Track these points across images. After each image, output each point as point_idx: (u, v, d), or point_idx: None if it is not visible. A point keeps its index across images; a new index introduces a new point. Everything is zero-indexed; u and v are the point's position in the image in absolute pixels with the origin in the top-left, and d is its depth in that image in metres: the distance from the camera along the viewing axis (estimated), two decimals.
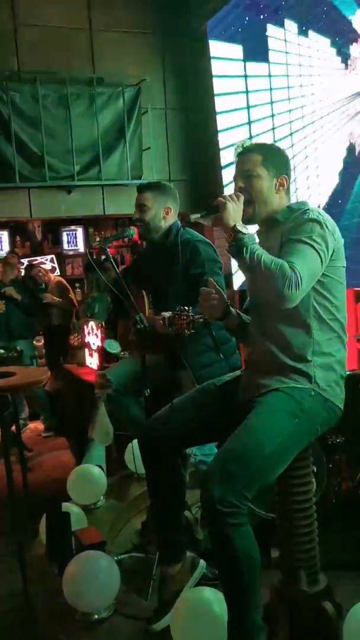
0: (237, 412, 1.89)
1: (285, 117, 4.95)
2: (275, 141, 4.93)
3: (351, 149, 4.20)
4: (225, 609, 1.80)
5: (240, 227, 1.88)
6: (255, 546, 1.78)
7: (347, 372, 3.19)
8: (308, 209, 1.93)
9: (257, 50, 5.22)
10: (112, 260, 2.70)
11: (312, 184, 4.71)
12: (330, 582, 2.09)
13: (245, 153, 2.05)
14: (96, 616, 2.15)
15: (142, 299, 2.78)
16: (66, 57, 6.21)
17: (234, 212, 1.90)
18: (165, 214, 2.81)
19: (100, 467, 3.55)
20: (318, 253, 1.83)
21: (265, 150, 2.07)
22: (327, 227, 1.87)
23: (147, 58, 6.57)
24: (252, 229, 2.10)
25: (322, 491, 2.87)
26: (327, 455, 3.08)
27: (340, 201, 4.34)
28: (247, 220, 1.96)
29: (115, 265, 2.72)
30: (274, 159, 2.04)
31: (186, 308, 2.24)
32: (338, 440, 3.17)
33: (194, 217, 2.09)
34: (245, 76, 5.52)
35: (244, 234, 1.87)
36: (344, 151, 4.27)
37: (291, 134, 4.89)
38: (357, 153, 4.13)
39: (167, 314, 2.44)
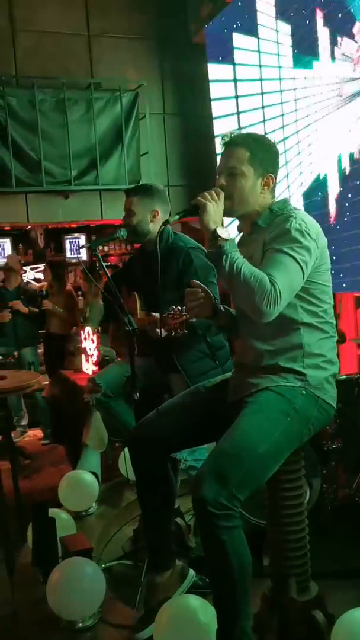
0: (228, 413, 1.85)
1: (279, 121, 4.94)
2: (284, 138, 4.90)
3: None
4: (210, 617, 1.75)
5: (221, 231, 1.80)
6: (248, 552, 1.74)
7: (343, 377, 3.19)
8: (291, 216, 1.84)
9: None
10: (102, 262, 2.66)
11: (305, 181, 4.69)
12: (325, 592, 2.05)
13: (232, 146, 1.93)
14: (80, 624, 2.09)
15: (133, 302, 2.74)
16: (64, 62, 6.22)
17: (215, 213, 1.82)
18: (153, 217, 2.75)
19: (94, 473, 3.50)
20: (300, 266, 1.77)
21: (254, 145, 1.93)
22: (310, 236, 1.80)
23: (144, 63, 6.58)
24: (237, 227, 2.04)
25: (316, 499, 2.83)
26: (322, 461, 3.03)
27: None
28: (225, 214, 1.88)
29: (105, 268, 2.68)
30: (262, 155, 1.92)
31: (179, 308, 2.19)
32: (334, 447, 3.11)
33: (172, 219, 2.02)
34: (235, 80, 5.51)
35: (225, 240, 1.79)
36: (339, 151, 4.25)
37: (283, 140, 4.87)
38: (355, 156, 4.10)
39: (156, 315, 2.40)
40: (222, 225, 1.85)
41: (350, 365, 5.20)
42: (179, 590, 2.12)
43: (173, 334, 2.24)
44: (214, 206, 1.83)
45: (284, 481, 1.95)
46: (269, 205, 1.94)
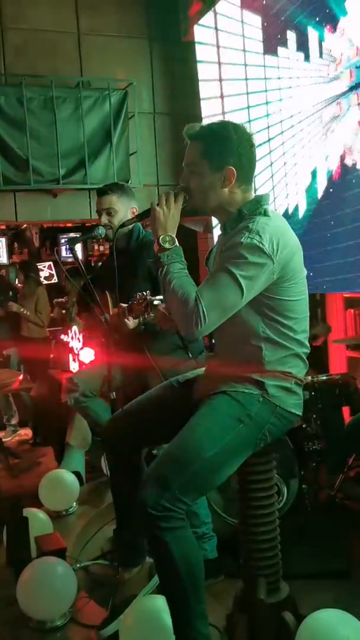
0: (192, 412, 1.82)
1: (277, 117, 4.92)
2: (270, 139, 4.89)
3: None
4: None
5: (164, 240, 1.75)
6: (195, 551, 1.73)
7: (323, 377, 3.19)
8: (247, 227, 1.70)
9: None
10: (79, 261, 2.66)
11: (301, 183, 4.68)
12: (302, 592, 2.04)
13: (190, 141, 1.81)
14: (50, 624, 2.08)
15: (105, 300, 2.74)
16: (53, 60, 6.20)
17: (164, 218, 1.76)
18: (132, 214, 2.76)
19: (78, 473, 3.50)
20: (239, 284, 1.65)
21: (209, 136, 1.77)
22: (264, 252, 1.66)
23: (134, 62, 6.56)
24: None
25: (292, 499, 2.81)
26: (302, 462, 3.03)
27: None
28: (193, 212, 1.85)
29: (82, 267, 2.68)
30: (218, 147, 1.76)
31: (142, 293, 2.18)
32: (315, 448, 3.11)
33: (130, 221, 2.04)
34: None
35: (166, 249, 1.74)
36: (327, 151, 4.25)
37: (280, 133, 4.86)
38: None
39: (124, 305, 2.39)
40: (172, 234, 1.78)
41: (339, 366, 5.19)
42: (146, 587, 2.11)
43: (141, 319, 2.24)
44: (164, 212, 1.77)
45: (253, 481, 1.94)
46: (241, 205, 1.81)
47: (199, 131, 1.81)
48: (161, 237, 1.76)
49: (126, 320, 2.39)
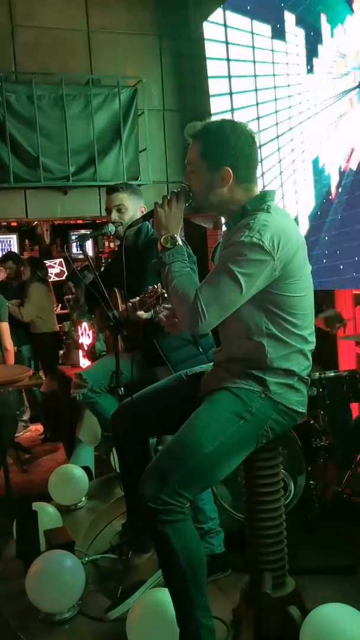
0: (196, 407, 1.84)
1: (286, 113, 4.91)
2: (278, 136, 4.88)
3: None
4: None
5: (165, 240, 1.78)
6: (197, 544, 1.75)
7: (331, 373, 3.19)
8: (252, 221, 1.71)
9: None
10: (89, 258, 2.69)
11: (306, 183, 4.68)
12: (308, 587, 2.05)
13: (191, 139, 1.83)
14: (58, 616, 2.11)
15: (115, 297, 2.76)
16: (63, 58, 6.21)
17: (165, 219, 1.79)
18: (141, 213, 2.79)
19: (87, 468, 3.53)
20: (238, 281, 1.66)
21: (208, 136, 1.79)
22: (264, 249, 1.67)
23: (144, 59, 6.56)
24: None
25: (300, 495, 2.83)
26: (310, 458, 3.03)
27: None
28: (196, 210, 1.89)
29: (92, 264, 2.70)
30: (215, 147, 1.77)
31: (153, 286, 2.21)
32: (322, 444, 3.12)
33: (136, 221, 2.08)
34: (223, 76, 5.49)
35: (168, 249, 1.78)
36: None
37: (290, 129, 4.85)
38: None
39: (135, 299, 2.42)
40: (174, 233, 1.80)
41: (348, 362, 5.18)
42: (154, 575, 2.13)
43: (152, 312, 2.26)
44: (165, 212, 1.80)
45: (259, 477, 1.96)
46: (244, 202, 1.81)
47: (198, 131, 1.82)
48: (163, 237, 1.79)
49: (138, 313, 2.42)
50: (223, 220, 2.05)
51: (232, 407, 1.77)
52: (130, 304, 2.43)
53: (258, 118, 5.04)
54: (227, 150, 1.77)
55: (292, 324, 1.81)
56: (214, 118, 5.53)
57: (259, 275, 1.69)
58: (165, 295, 2.19)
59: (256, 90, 5.10)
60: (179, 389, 2.05)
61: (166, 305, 2.18)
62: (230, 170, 1.77)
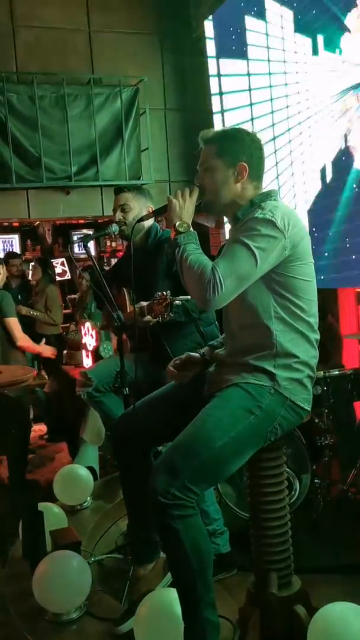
0: (200, 407, 1.85)
1: (284, 112, 4.91)
2: (275, 137, 4.88)
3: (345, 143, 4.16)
4: None
5: (180, 226, 1.85)
6: (205, 540, 1.75)
7: (335, 372, 3.19)
8: (262, 206, 1.81)
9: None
10: (93, 258, 2.69)
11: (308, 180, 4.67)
12: (314, 586, 2.05)
13: (205, 144, 1.94)
14: (65, 617, 2.12)
15: (123, 298, 2.76)
16: (64, 58, 6.23)
17: (180, 209, 1.86)
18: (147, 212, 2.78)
19: (92, 468, 3.53)
20: (253, 254, 1.73)
21: (222, 138, 1.93)
22: (276, 225, 1.75)
23: (145, 58, 6.56)
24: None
25: (305, 494, 2.83)
26: (315, 457, 3.03)
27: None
28: (207, 209, 1.93)
29: (96, 264, 2.70)
30: (230, 146, 1.90)
31: (163, 293, 2.21)
32: (327, 442, 3.11)
33: (148, 216, 2.12)
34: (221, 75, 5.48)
35: (181, 232, 1.84)
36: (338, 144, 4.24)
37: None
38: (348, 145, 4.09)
39: (144, 303, 2.42)
40: (187, 222, 1.87)
41: (351, 361, 5.18)
42: (161, 583, 2.13)
43: (160, 319, 2.27)
44: (180, 204, 1.87)
45: (264, 476, 1.96)
46: (251, 197, 1.91)
47: (214, 135, 1.95)
48: (177, 223, 1.85)
49: (145, 319, 2.42)
50: (225, 220, 2.08)
51: (243, 402, 1.79)
52: (137, 308, 2.43)
53: (252, 119, 5.04)
54: (242, 149, 1.90)
55: (299, 307, 1.86)
56: (215, 117, 5.58)
57: (272, 251, 1.76)
58: (175, 302, 2.20)
59: (249, 90, 5.09)
60: (183, 394, 2.06)
61: (171, 314, 2.20)
62: (246, 165, 1.88)
